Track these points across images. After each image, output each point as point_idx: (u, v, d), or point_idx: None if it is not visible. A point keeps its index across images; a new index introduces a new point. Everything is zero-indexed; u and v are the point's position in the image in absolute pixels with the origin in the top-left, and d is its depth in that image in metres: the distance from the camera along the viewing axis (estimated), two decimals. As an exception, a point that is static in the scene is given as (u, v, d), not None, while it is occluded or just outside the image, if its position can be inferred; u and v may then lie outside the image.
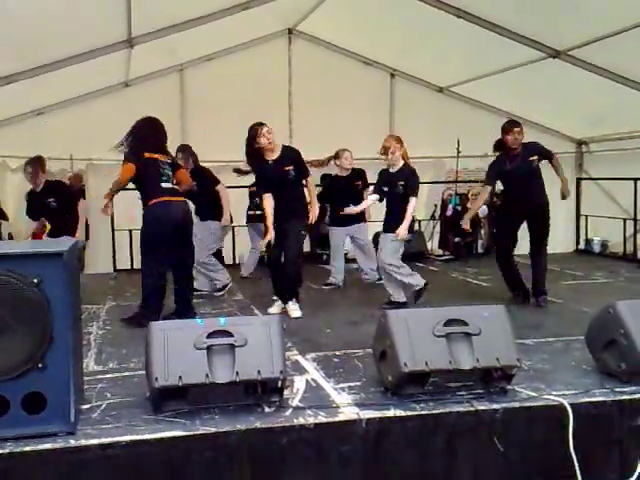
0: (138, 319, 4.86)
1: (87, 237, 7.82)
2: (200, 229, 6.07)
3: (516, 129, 5.55)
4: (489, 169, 5.79)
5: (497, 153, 5.78)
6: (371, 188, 6.23)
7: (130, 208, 6.88)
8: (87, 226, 8.15)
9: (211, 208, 6.31)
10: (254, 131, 5.24)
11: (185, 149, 6.38)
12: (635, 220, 8.49)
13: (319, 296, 6.30)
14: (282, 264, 5.37)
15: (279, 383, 3.04)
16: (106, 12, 5.76)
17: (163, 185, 5.03)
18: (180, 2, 6.10)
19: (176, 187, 5.15)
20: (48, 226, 10.33)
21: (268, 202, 5.34)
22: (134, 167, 5.00)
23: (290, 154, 5.33)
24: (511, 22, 6.72)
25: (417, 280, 5.56)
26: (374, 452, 2.95)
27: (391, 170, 5.59)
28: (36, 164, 5.90)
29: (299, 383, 3.48)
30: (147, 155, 5.05)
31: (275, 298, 5.51)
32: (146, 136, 5.11)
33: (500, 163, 5.70)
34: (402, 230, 5.36)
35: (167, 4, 6.03)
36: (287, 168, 5.26)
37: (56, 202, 5.87)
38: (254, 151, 5.27)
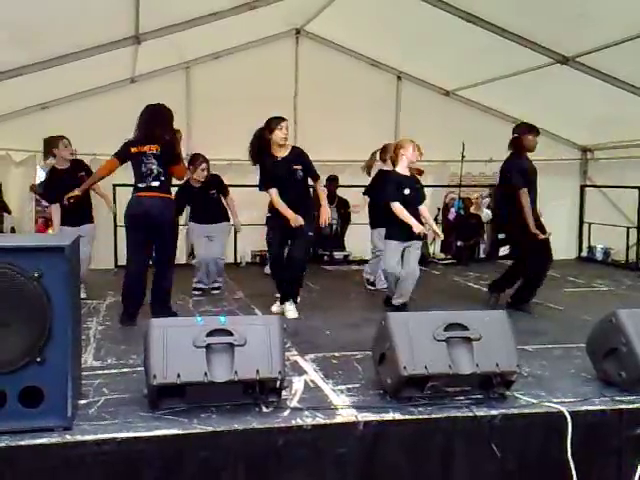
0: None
1: None
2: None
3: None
4: (515, 170, 5.42)
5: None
6: None
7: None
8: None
9: None
10: (274, 122, 5.20)
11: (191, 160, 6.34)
12: (639, 229, 8.46)
13: (320, 297, 6.29)
14: (285, 264, 5.35)
15: (277, 383, 3.03)
16: (114, 8, 5.75)
17: (139, 185, 4.96)
18: (188, 0, 6.10)
19: (154, 184, 4.91)
20: (54, 221, 10.32)
21: (276, 194, 5.22)
22: (116, 162, 5.05)
23: (300, 155, 5.32)
24: (520, 27, 6.69)
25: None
26: (371, 455, 2.94)
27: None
28: None
29: (298, 384, 3.47)
30: (133, 150, 4.99)
31: (278, 296, 5.50)
32: (137, 129, 5.05)
33: (524, 163, 5.49)
34: None
35: (175, 1, 6.03)
36: (295, 167, 5.24)
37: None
38: (264, 143, 5.22)
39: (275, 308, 5.45)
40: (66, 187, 5.61)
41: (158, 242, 5.00)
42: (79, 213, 5.84)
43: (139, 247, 4.95)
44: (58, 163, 5.87)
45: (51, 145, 5.84)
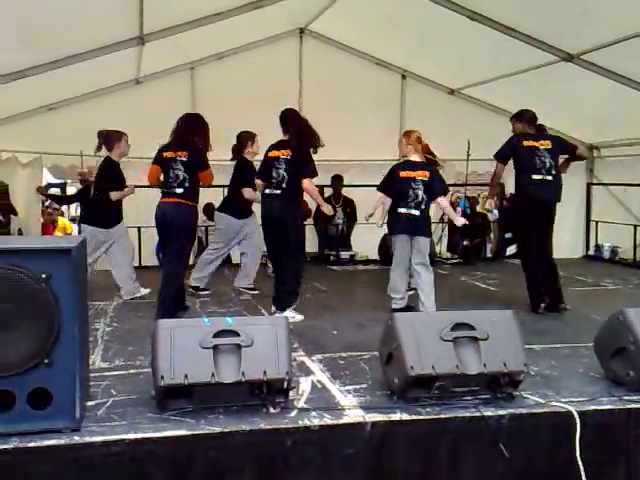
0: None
1: None
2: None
3: None
4: None
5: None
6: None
7: (139, 205, 6.91)
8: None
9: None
10: None
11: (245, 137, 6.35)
12: (646, 227, 8.43)
13: (326, 297, 6.28)
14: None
15: (285, 384, 3.03)
16: (118, 9, 5.76)
17: (164, 190, 5.24)
18: (192, 0, 6.10)
19: (178, 191, 5.13)
20: (60, 221, 10.39)
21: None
22: (154, 168, 5.34)
23: None
24: (524, 25, 6.68)
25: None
26: (378, 455, 2.93)
27: None
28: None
29: (305, 384, 3.47)
30: (165, 155, 5.26)
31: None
32: (171, 134, 5.31)
33: None
34: None
35: (179, 2, 6.03)
36: None
37: None
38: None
39: (298, 317, 5.17)
40: (121, 178, 5.90)
41: (168, 244, 5.20)
42: (120, 212, 6.06)
43: (164, 247, 5.38)
44: (116, 156, 5.95)
45: (113, 138, 5.92)
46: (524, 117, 5.72)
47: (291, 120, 5.23)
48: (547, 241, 5.61)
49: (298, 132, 5.14)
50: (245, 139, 6.28)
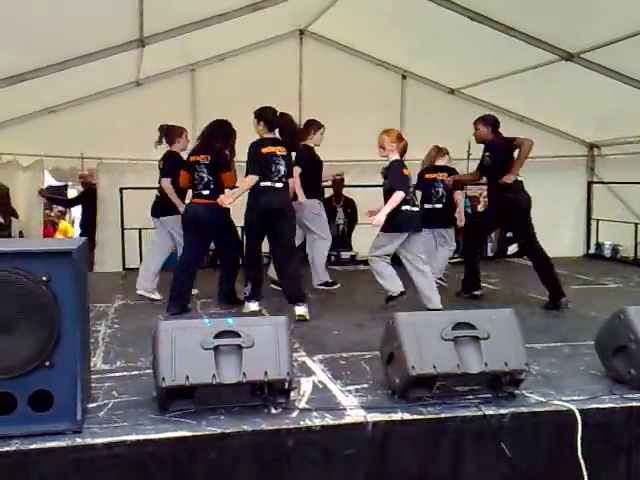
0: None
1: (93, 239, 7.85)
2: None
3: None
4: None
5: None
6: None
7: (140, 207, 6.91)
8: (93, 227, 8.20)
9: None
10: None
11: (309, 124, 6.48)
12: (647, 225, 8.43)
13: (327, 298, 6.28)
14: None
15: (286, 384, 3.04)
16: (118, 11, 5.77)
17: (193, 192, 5.58)
18: (192, 1, 6.11)
19: (204, 193, 5.46)
20: (62, 223, 10.37)
21: None
22: (183, 173, 5.68)
23: None
24: (524, 24, 6.68)
25: (391, 286, 5.45)
26: (380, 455, 2.93)
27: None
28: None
29: (306, 385, 3.47)
30: (191, 159, 5.62)
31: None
32: (197, 139, 5.64)
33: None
34: (377, 216, 5.29)
35: (179, 3, 6.04)
36: None
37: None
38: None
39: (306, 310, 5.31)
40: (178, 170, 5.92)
41: (207, 243, 5.76)
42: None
43: (187, 244, 5.60)
44: (177, 149, 6.08)
45: (175, 134, 6.07)
46: (489, 121, 5.97)
47: (286, 123, 5.44)
48: (532, 238, 5.75)
49: (295, 135, 5.52)
50: (308, 126, 6.50)
